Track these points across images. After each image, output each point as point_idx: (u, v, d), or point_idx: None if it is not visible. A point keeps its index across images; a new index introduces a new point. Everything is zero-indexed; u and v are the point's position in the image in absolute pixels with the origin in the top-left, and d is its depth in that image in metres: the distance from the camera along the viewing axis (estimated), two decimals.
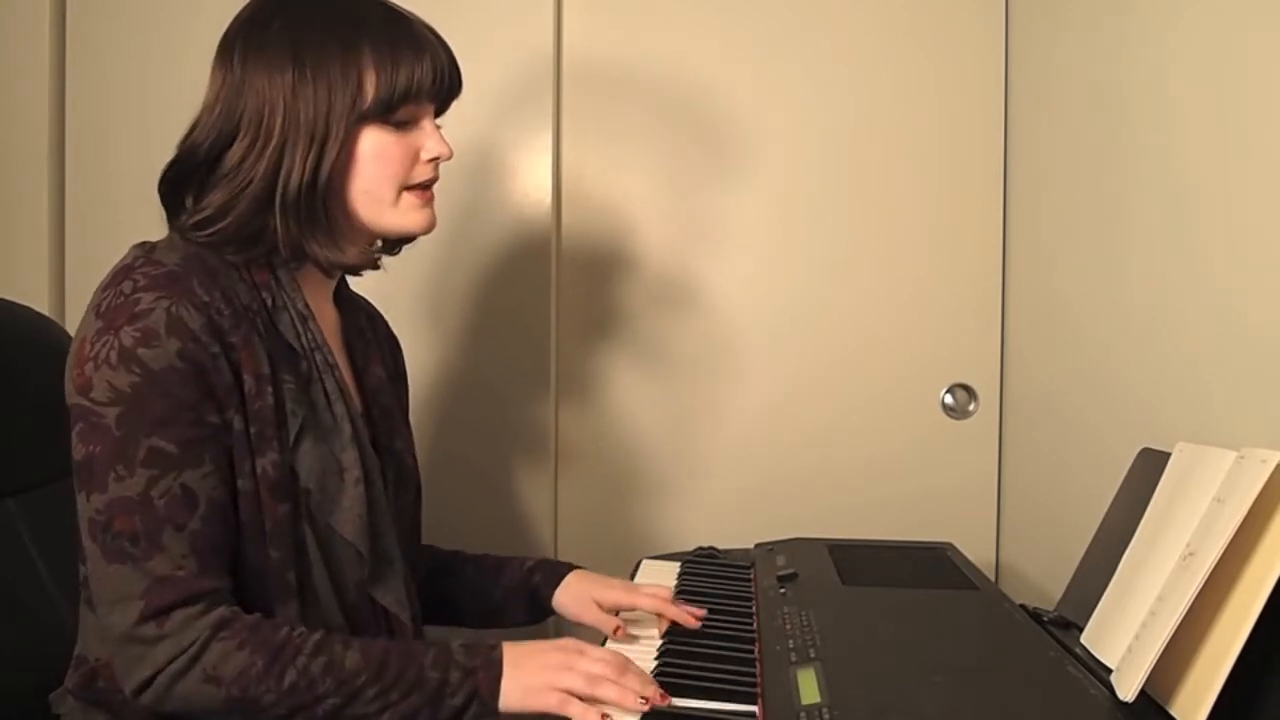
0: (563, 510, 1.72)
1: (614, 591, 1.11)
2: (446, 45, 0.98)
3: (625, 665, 0.88)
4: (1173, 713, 0.77)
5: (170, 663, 0.81)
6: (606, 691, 0.85)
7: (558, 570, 1.16)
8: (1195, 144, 1.09)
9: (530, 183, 1.69)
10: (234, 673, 0.82)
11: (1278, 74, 0.95)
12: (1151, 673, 0.77)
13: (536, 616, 1.16)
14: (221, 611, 0.84)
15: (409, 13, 0.97)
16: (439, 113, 1.00)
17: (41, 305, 1.61)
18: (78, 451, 0.84)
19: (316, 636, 0.85)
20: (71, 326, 1.26)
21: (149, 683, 0.82)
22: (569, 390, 1.72)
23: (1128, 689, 0.79)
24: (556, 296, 1.71)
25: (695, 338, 1.70)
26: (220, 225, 0.91)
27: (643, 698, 0.85)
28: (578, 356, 1.72)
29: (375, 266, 1.02)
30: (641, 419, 1.71)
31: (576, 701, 0.85)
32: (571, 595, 1.13)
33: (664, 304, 1.70)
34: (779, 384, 1.69)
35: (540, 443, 1.71)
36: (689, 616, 1.07)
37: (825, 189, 1.68)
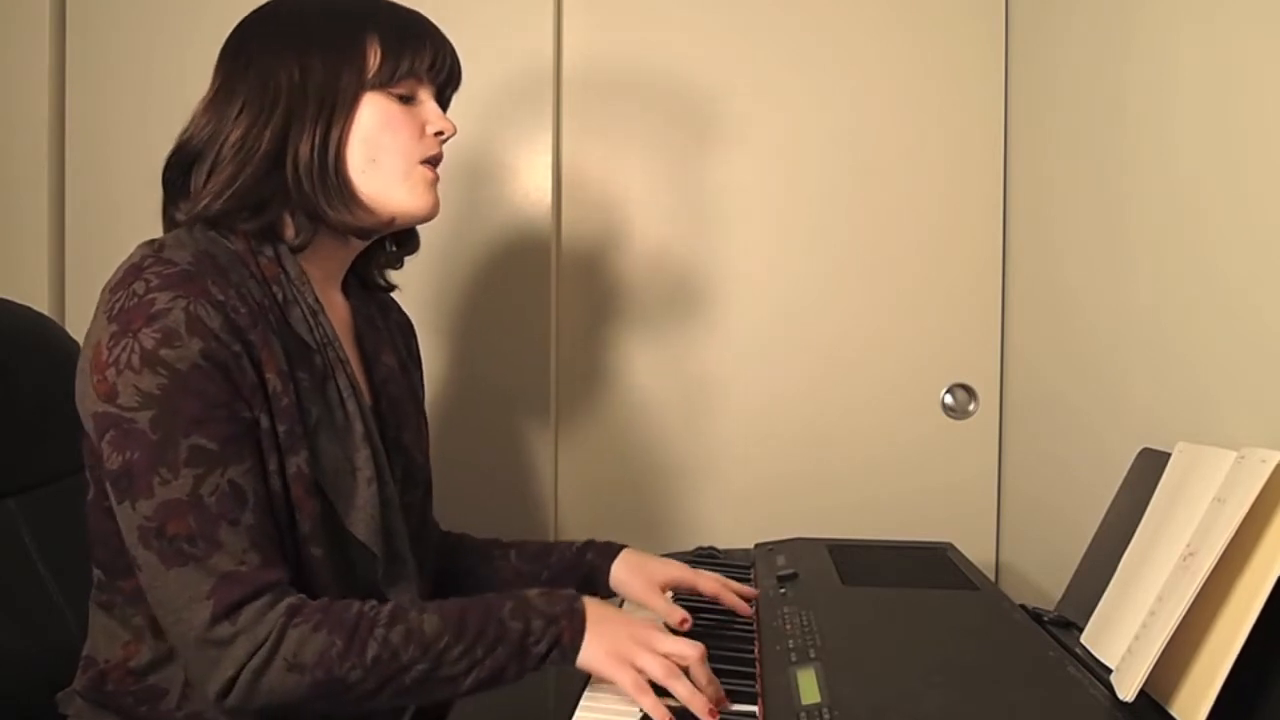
0: (562, 510, 1.72)
1: (674, 568, 1.10)
2: (449, 41, 1.01)
3: (701, 658, 0.87)
4: (1173, 713, 0.77)
5: (250, 658, 0.80)
6: (680, 687, 0.83)
7: (611, 548, 1.14)
8: (1196, 144, 1.09)
9: (530, 183, 1.69)
10: (315, 656, 0.81)
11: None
12: (1151, 673, 0.77)
13: None
14: (290, 600, 0.83)
15: (415, 10, 1.00)
16: (440, 104, 1.01)
17: (41, 305, 1.61)
18: (112, 460, 0.83)
19: (389, 606, 0.85)
20: (71, 326, 1.27)
21: (233, 683, 0.81)
22: (568, 390, 1.72)
23: (1128, 689, 0.79)
24: (556, 296, 1.71)
25: (695, 338, 1.70)
26: (232, 190, 0.90)
27: (711, 706, 0.83)
28: (578, 356, 1.72)
29: (369, 235, 1.00)
30: (641, 419, 1.71)
31: (651, 694, 0.83)
32: (630, 570, 1.11)
33: (663, 304, 1.70)
34: (779, 384, 1.69)
35: (540, 442, 1.71)
36: (744, 604, 1.07)
37: (825, 189, 1.68)
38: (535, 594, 0.88)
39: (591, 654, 0.86)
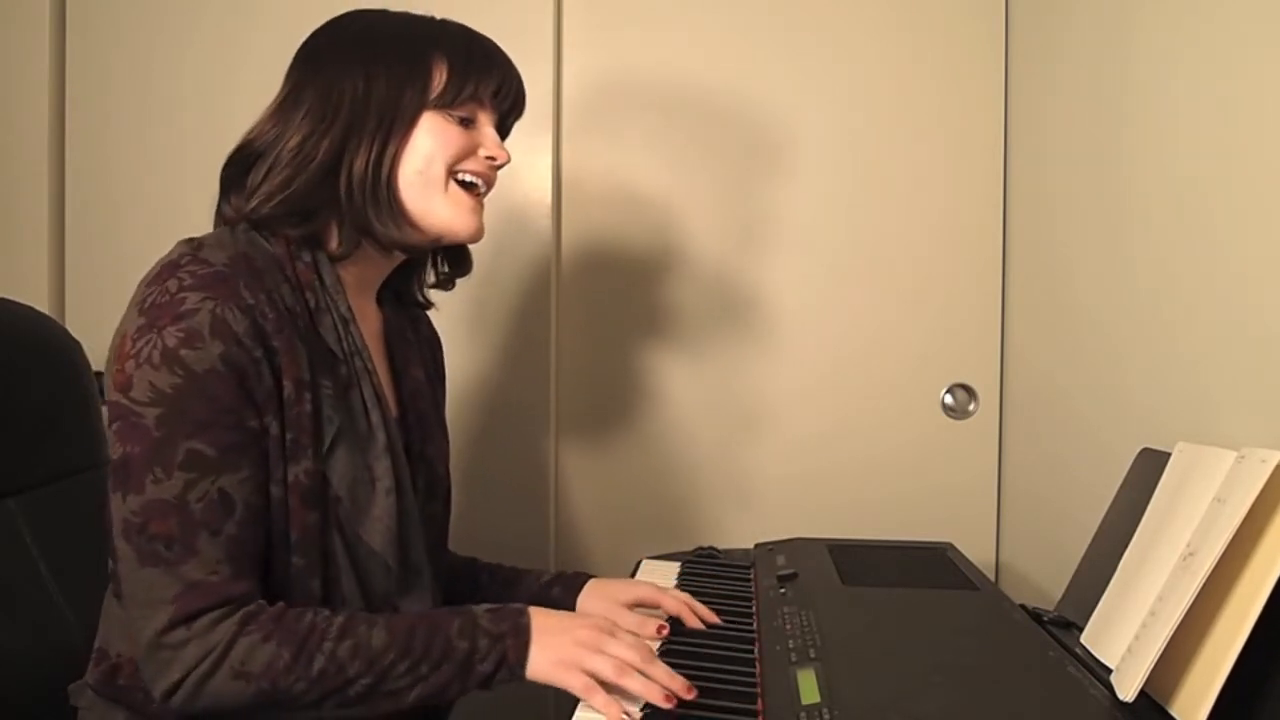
0: (561, 509, 1.72)
1: (640, 587, 1.10)
2: (516, 69, 1.01)
3: (651, 655, 0.88)
4: (1173, 713, 0.77)
5: (198, 664, 0.81)
6: (633, 683, 0.84)
7: (576, 580, 1.14)
8: (1196, 144, 1.09)
9: (530, 183, 1.69)
10: (262, 666, 0.82)
11: None
12: (1151, 673, 0.77)
13: None
14: (247, 608, 0.84)
15: (486, 35, 1.00)
16: (500, 133, 1.02)
17: (41, 305, 1.61)
18: (114, 450, 0.84)
19: (340, 619, 0.86)
20: (72, 326, 1.27)
21: (178, 685, 0.82)
22: (568, 390, 1.72)
23: (1128, 689, 0.79)
24: (556, 296, 1.71)
25: (695, 338, 1.70)
26: (283, 196, 0.91)
27: (667, 693, 0.84)
28: (578, 356, 1.72)
29: (419, 253, 1.01)
30: (641, 419, 1.71)
31: (602, 692, 0.84)
32: (596, 597, 1.11)
33: (663, 305, 1.70)
34: (779, 384, 1.69)
35: (539, 442, 1.71)
36: (700, 624, 1.06)
37: (826, 190, 1.68)
38: (483, 611, 0.89)
39: (539, 665, 0.87)
